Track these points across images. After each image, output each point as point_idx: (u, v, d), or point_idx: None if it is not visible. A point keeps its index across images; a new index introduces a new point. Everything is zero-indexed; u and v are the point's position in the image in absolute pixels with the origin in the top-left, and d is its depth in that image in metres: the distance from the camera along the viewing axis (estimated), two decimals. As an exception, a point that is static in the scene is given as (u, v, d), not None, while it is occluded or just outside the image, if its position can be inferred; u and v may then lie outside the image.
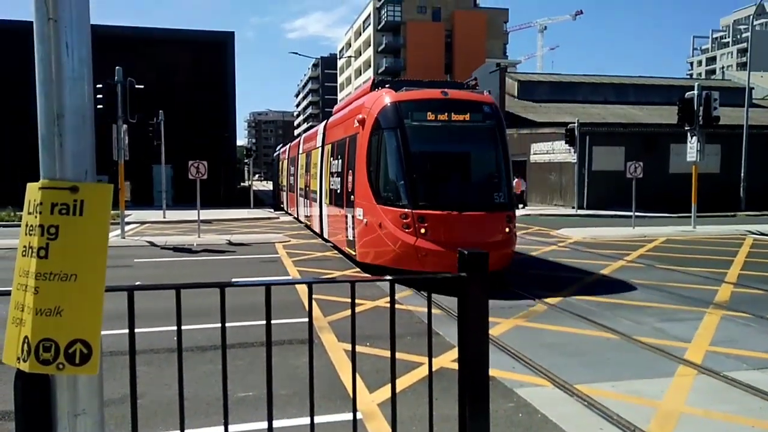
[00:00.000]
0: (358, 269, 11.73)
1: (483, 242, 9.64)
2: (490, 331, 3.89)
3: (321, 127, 17.10)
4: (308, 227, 19.75)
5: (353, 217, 11.57)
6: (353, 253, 11.76)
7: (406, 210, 9.90)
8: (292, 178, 23.94)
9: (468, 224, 9.80)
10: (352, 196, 11.62)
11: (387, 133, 10.44)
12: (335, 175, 13.52)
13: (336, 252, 14.31)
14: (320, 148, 16.21)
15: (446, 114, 10.51)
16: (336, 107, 16.43)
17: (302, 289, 9.17)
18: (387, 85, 11.34)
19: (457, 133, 10.50)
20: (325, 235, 15.32)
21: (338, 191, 13.07)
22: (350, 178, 11.77)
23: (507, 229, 10.14)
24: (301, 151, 21.10)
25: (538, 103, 42.16)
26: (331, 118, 15.88)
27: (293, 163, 23.52)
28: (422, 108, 10.49)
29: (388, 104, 10.56)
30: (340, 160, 13.09)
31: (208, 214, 24.94)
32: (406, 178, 10.06)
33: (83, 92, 1.76)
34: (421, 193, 9.98)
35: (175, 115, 31.40)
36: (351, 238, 11.87)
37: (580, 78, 47.49)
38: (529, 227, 21.28)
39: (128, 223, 21.50)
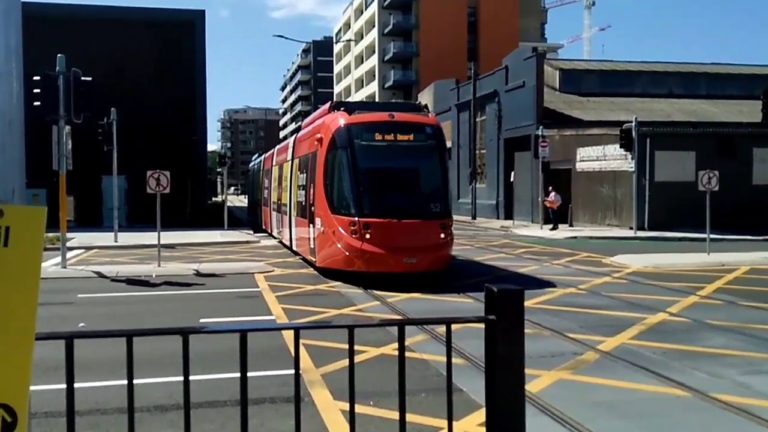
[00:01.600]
0: (361, 311, 11.76)
1: (419, 246, 14.24)
2: (528, 387, 3.83)
3: (291, 140, 21.66)
4: (281, 243, 23.40)
5: (314, 226, 16.01)
6: (314, 259, 16.25)
7: (354, 218, 14.33)
8: (266, 191, 27.83)
9: (407, 230, 14.27)
10: (312, 207, 16.06)
11: (340, 152, 14.89)
12: (301, 188, 18.02)
13: (332, 288, 14.41)
14: (290, 162, 20.52)
15: (392, 134, 15.03)
16: (305, 121, 20.93)
17: (289, 333, 9.14)
18: (342, 108, 15.90)
19: (401, 151, 15.09)
20: (294, 248, 19.75)
21: (303, 203, 17.57)
22: (312, 191, 16.23)
23: (442, 235, 14.62)
24: (274, 163, 25.46)
25: (586, 98, 42.32)
26: (300, 132, 20.46)
27: (268, 175, 27.64)
28: (371, 130, 15.00)
29: (342, 126, 15.05)
30: (304, 174, 17.43)
31: (171, 236, 25.03)
32: (355, 191, 14.59)
33: (10, 90, 1.77)
34: (366, 203, 14.49)
35: (131, 114, 31.68)
36: (312, 246, 16.32)
37: (638, 66, 47.65)
38: (576, 253, 21.23)
39: (71, 249, 21.58)
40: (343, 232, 14.51)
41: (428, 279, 14.64)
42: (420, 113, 16.09)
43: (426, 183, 15.52)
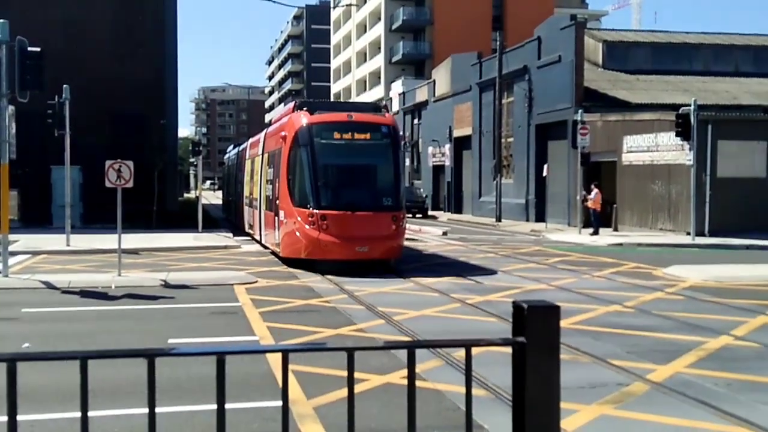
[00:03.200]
0: (362, 330, 11.82)
1: (372, 236, 18.37)
2: (564, 424, 3.80)
3: (262, 135, 26.57)
4: (249, 235, 27.70)
5: (278, 219, 20.35)
6: (278, 250, 20.69)
7: (313, 210, 18.50)
8: (246, 187, 30.90)
9: (360, 222, 18.41)
10: (277, 201, 20.41)
11: (301, 149, 19.07)
12: (269, 182, 22.39)
13: (327, 303, 14.49)
14: (261, 156, 24.90)
15: (350, 134, 19.20)
16: (274, 117, 25.64)
17: (275, 357, 9.15)
18: (305, 108, 19.90)
19: (357, 149, 19.39)
20: (263, 241, 24.17)
21: (270, 197, 21.98)
22: (277, 185, 20.50)
23: (394, 226, 18.79)
24: (248, 157, 30.01)
25: (634, 75, 42.32)
26: (269, 128, 25.15)
27: (244, 169, 31.68)
28: (330, 129, 19.19)
29: (304, 125, 19.18)
30: (272, 169, 21.70)
31: (134, 240, 25.11)
32: (314, 186, 18.77)
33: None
34: (324, 197, 18.69)
35: (87, 92, 31.78)
36: (277, 238, 20.64)
37: (699, 37, 47.61)
38: (621, 263, 21.22)
39: (14, 254, 21.63)
40: (303, 223, 18.72)
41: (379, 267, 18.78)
42: (378, 113, 20.70)
43: (379, 179, 19.86)
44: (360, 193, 19.18)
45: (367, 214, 18.68)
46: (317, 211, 18.42)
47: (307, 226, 18.54)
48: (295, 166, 19.22)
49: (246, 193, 29.69)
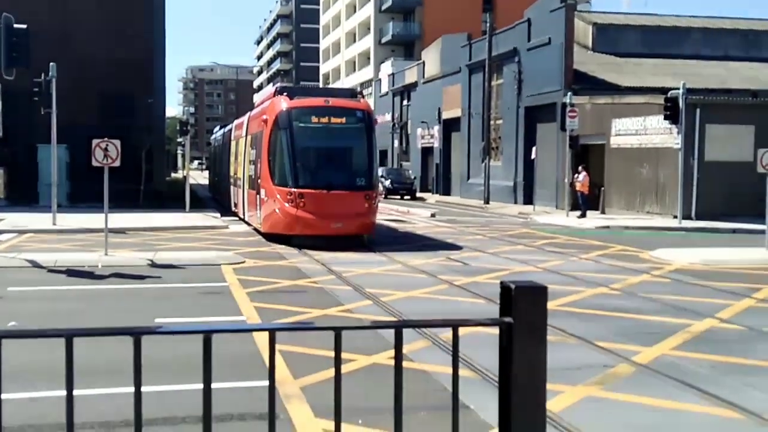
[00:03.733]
0: (350, 311, 11.82)
1: (346, 213, 19.80)
2: (549, 405, 3.83)
3: (246, 117, 27.94)
4: (235, 214, 28.97)
5: (259, 197, 21.78)
6: (259, 226, 22.23)
7: (291, 189, 19.94)
8: (225, 166, 33.26)
9: (335, 200, 19.83)
10: (259, 180, 21.82)
11: (281, 132, 20.45)
12: (251, 163, 23.86)
13: (315, 283, 14.53)
14: (245, 138, 26.49)
15: (327, 117, 20.60)
16: (257, 101, 27.05)
17: (262, 337, 9.16)
18: (285, 93, 21.40)
19: (333, 132, 20.83)
20: (246, 218, 25.73)
21: (252, 177, 23.41)
22: (258, 165, 21.95)
23: (366, 204, 20.26)
24: (232, 138, 31.82)
25: (624, 59, 42.30)
26: (252, 111, 26.88)
27: (226, 150, 33.80)
28: (308, 113, 20.57)
29: (284, 109, 20.58)
30: (254, 150, 23.28)
31: (121, 219, 25.01)
32: (292, 166, 20.22)
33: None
34: (301, 177, 20.13)
35: (73, 70, 31.54)
36: (258, 214, 22.10)
37: (688, 21, 47.62)
38: (608, 246, 21.32)
39: None
40: (282, 201, 20.16)
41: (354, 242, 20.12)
42: (353, 99, 22.06)
43: (354, 160, 21.40)
44: (335, 173, 20.61)
45: (342, 192, 20.11)
46: (295, 189, 19.91)
47: (286, 204, 20.01)
48: (276, 148, 20.64)
49: (231, 173, 31.25)
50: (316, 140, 20.73)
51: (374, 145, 21.36)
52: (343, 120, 20.84)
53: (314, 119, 20.61)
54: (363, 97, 23.02)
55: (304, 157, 20.52)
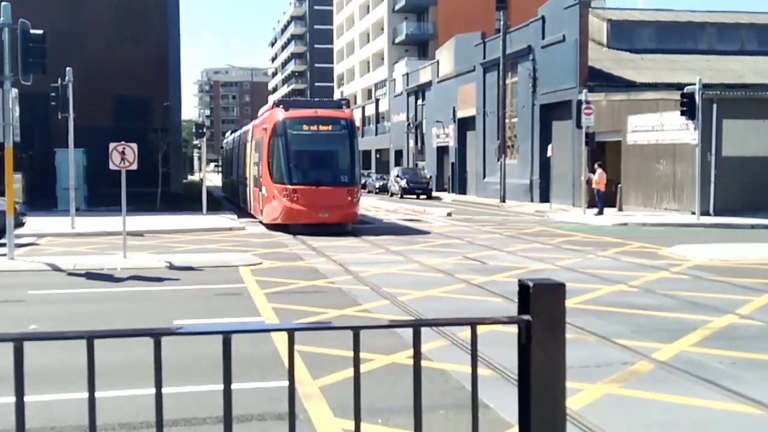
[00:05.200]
0: (368, 311, 11.85)
1: (331, 205, 23.85)
2: (569, 403, 3.80)
3: (251, 126, 32.82)
4: (243, 210, 32.41)
5: (261, 193, 26.27)
6: (261, 217, 26.83)
7: (287, 185, 24.18)
8: (236, 168, 37.57)
9: (323, 194, 23.95)
10: (261, 179, 26.20)
11: (279, 139, 24.70)
12: (255, 165, 28.19)
13: (333, 283, 14.62)
14: (250, 143, 30.77)
15: (316, 126, 24.92)
16: (260, 111, 31.48)
17: (280, 337, 9.19)
18: (282, 105, 25.89)
19: (321, 138, 25.10)
20: (251, 211, 29.90)
21: (256, 176, 27.84)
22: (260, 166, 26.33)
23: (349, 198, 24.55)
24: (240, 143, 36.14)
25: (639, 55, 42.08)
26: (256, 121, 31.11)
27: (236, 154, 38.26)
28: (300, 123, 24.78)
29: (280, 120, 24.85)
30: (257, 154, 27.53)
31: (138, 222, 25.14)
32: (287, 166, 24.41)
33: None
34: (295, 175, 24.32)
35: (90, 75, 31.74)
36: (261, 208, 26.65)
37: (704, 16, 47.30)
38: (626, 243, 21.21)
39: (20, 237, 21.68)
40: (279, 196, 24.30)
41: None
42: (339, 110, 26.15)
43: (339, 161, 25.33)
44: (323, 173, 24.74)
45: (328, 188, 24.22)
46: (290, 186, 24.11)
47: (283, 198, 24.11)
48: (274, 152, 24.78)
49: (239, 174, 35.68)
50: (307, 145, 24.81)
51: (356, 148, 25.57)
52: (330, 128, 25.01)
53: (305, 127, 24.74)
54: (348, 107, 27.02)
55: (298, 159, 24.52)
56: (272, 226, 25.04)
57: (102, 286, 14.21)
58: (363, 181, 64.19)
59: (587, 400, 7.18)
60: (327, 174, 24.75)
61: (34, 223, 25.71)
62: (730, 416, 6.84)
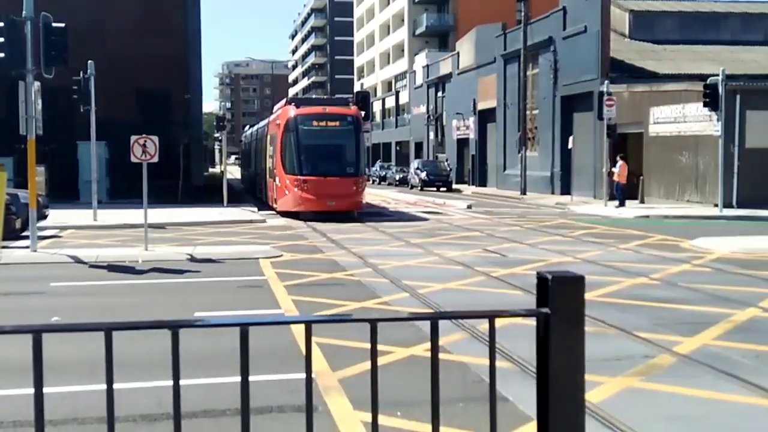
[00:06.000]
0: (387, 303, 11.88)
1: (338, 194, 26.23)
2: (588, 397, 3.79)
3: (266, 121, 35.37)
4: (259, 199, 34.65)
5: (275, 184, 28.58)
6: (275, 206, 28.92)
7: (297, 176, 26.55)
8: (253, 160, 39.77)
9: (331, 184, 26.31)
10: (275, 170, 28.61)
11: (290, 133, 26.97)
12: (270, 157, 30.61)
13: (352, 276, 14.64)
14: (265, 137, 33.18)
15: (324, 122, 27.30)
16: (275, 108, 33.42)
17: (299, 330, 9.20)
18: (293, 103, 28.31)
19: (329, 133, 27.33)
20: (266, 200, 32.12)
21: (270, 168, 30.31)
22: (275, 159, 28.60)
23: (354, 188, 27.00)
24: (258, 138, 38.62)
25: (662, 46, 41.73)
26: (270, 117, 33.33)
27: (253, 147, 40.80)
28: (310, 119, 27.15)
29: (291, 116, 27.18)
30: (272, 147, 29.81)
31: (160, 214, 25.28)
32: (298, 159, 26.77)
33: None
34: (305, 167, 26.63)
35: (112, 68, 31.91)
36: (275, 197, 28.98)
37: (727, 6, 46.84)
38: (648, 236, 21.08)
39: (42, 229, 21.87)
40: (291, 186, 26.66)
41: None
42: (346, 106, 28.49)
43: (345, 154, 27.76)
44: (331, 164, 26.97)
45: (335, 179, 26.53)
46: (301, 177, 26.41)
47: (294, 188, 26.48)
48: (286, 146, 27.05)
49: (256, 166, 38.36)
50: (316, 139, 26.93)
51: (361, 142, 28.01)
52: (337, 123, 27.36)
53: (315, 123, 27.02)
54: (355, 104, 29.14)
55: (307, 152, 26.69)
56: (285, 213, 27.35)
57: (123, 279, 14.31)
58: (383, 173, 64.42)
59: (607, 393, 7.15)
60: (334, 166, 26.95)
61: (57, 216, 25.94)
62: (752, 410, 6.78)
